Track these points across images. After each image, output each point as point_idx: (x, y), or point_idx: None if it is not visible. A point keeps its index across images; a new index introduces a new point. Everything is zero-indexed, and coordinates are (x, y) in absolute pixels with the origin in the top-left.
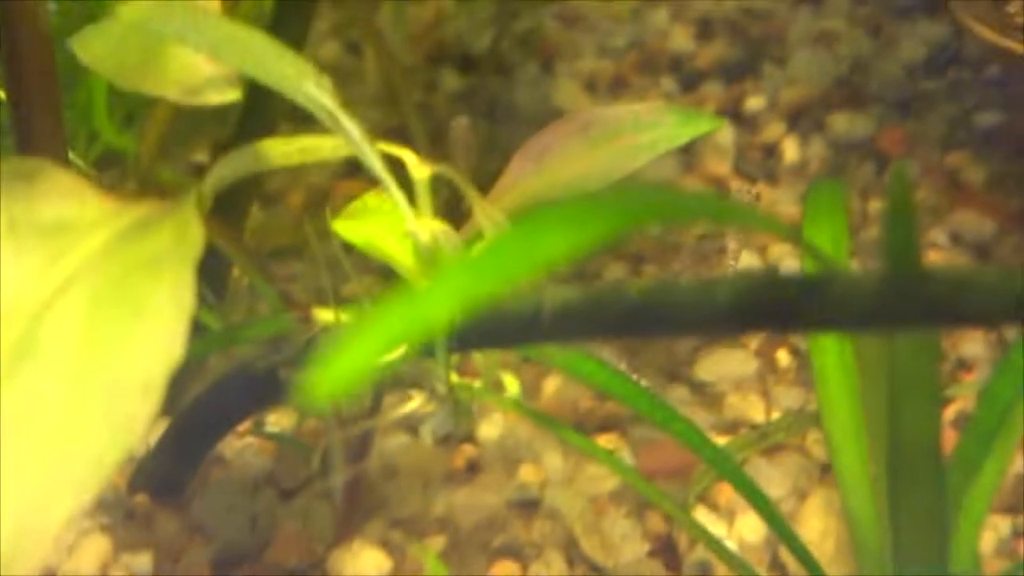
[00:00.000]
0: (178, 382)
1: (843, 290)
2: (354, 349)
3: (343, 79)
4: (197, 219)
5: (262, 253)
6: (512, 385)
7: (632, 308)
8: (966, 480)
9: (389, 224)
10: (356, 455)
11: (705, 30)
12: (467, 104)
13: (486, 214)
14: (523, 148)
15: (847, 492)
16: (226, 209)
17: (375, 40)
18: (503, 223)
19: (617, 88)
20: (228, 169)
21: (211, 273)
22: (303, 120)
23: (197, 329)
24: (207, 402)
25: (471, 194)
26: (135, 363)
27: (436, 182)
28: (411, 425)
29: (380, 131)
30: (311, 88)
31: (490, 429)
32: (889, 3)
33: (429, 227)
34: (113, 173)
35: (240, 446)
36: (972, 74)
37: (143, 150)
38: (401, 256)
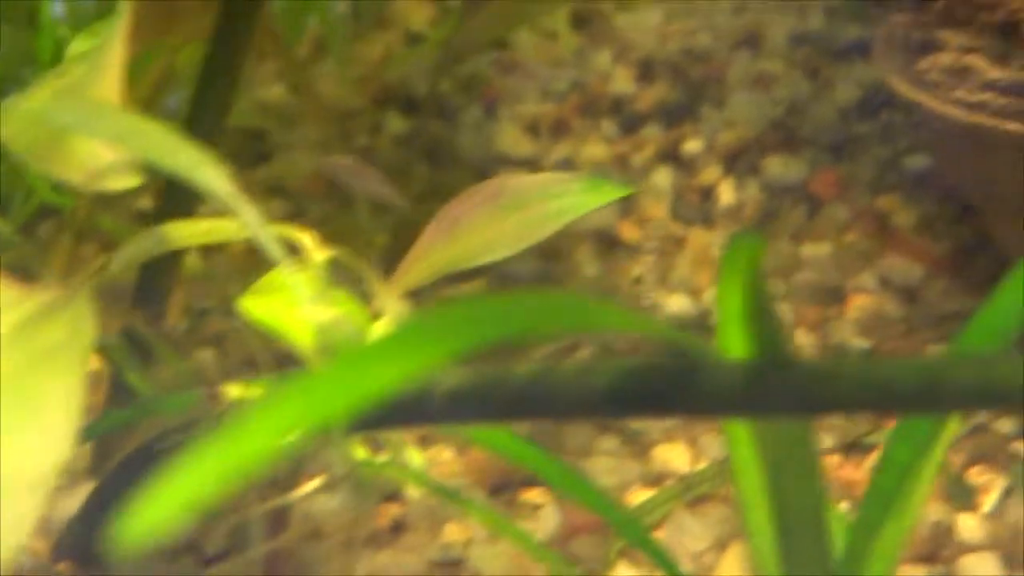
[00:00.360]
0: (104, 445)
1: (713, 379)
2: (163, 499)
3: (287, 122)
4: (90, 312)
5: (194, 310)
6: (416, 458)
7: (518, 392)
8: (870, 536)
9: (292, 303)
10: (278, 520)
11: (646, 72)
12: (410, 147)
13: (386, 296)
14: (435, 219)
15: (756, 551)
16: (147, 286)
17: (308, 88)
18: (401, 306)
19: (559, 131)
20: (134, 251)
21: (138, 336)
22: None
23: (123, 391)
24: (127, 470)
25: (370, 277)
26: (25, 461)
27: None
28: (334, 485)
29: (318, 178)
30: (209, 174)
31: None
32: (827, 45)
33: (325, 314)
34: (51, 224)
35: None
36: (903, 117)
37: (79, 202)
38: (300, 338)
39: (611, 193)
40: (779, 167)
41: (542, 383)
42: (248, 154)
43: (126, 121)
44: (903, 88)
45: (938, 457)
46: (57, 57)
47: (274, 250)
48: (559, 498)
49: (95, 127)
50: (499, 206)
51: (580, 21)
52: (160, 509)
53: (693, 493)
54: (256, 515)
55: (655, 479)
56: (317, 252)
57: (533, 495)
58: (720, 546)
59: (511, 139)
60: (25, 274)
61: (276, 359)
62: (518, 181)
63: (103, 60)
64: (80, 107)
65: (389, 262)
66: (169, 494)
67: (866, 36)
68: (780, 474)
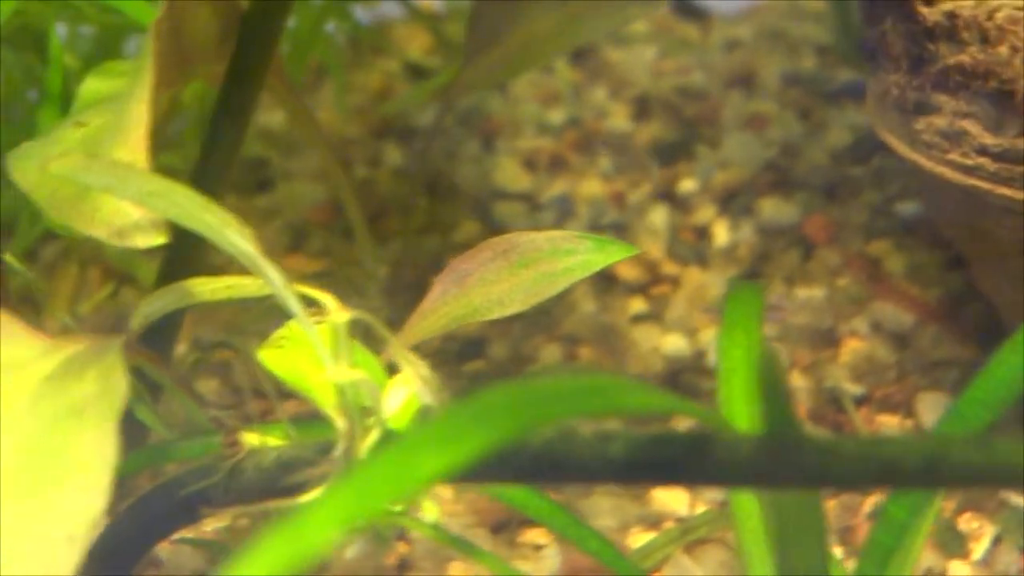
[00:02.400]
0: (114, 487)
1: (724, 452)
2: None
3: (287, 150)
4: (121, 366)
5: (202, 341)
6: (431, 511)
7: (537, 458)
8: None
9: (311, 359)
10: None
11: (642, 110)
12: (409, 179)
13: (403, 357)
14: (445, 272)
15: None
16: (155, 334)
17: (307, 120)
18: (417, 364)
19: (556, 167)
20: (156, 306)
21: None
22: None
23: (134, 426)
24: (137, 513)
25: (389, 338)
26: (61, 516)
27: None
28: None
29: (318, 207)
30: (233, 236)
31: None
32: (818, 87)
33: (347, 375)
34: (55, 247)
35: (175, 548)
36: (895, 162)
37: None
38: (321, 396)
39: (618, 253)
40: (773, 209)
41: (560, 450)
42: (250, 182)
43: (154, 183)
44: (898, 147)
45: (934, 512)
46: (65, 88)
47: (296, 308)
48: (560, 539)
49: (124, 189)
50: (510, 262)
51: (576, 56)
52: None
53: (692, 536)
54: None
55: (654, 521)
56: (338, 313)
57: (534, 535)
58: None
59: (509, 173)
60: (30, 302)
61: (279, 390)
62: (529, 238)
63: (128, 118)
64: (109, 169)
65: (389, 294)
66: None
67: (857, 80)
68: (785, 530)
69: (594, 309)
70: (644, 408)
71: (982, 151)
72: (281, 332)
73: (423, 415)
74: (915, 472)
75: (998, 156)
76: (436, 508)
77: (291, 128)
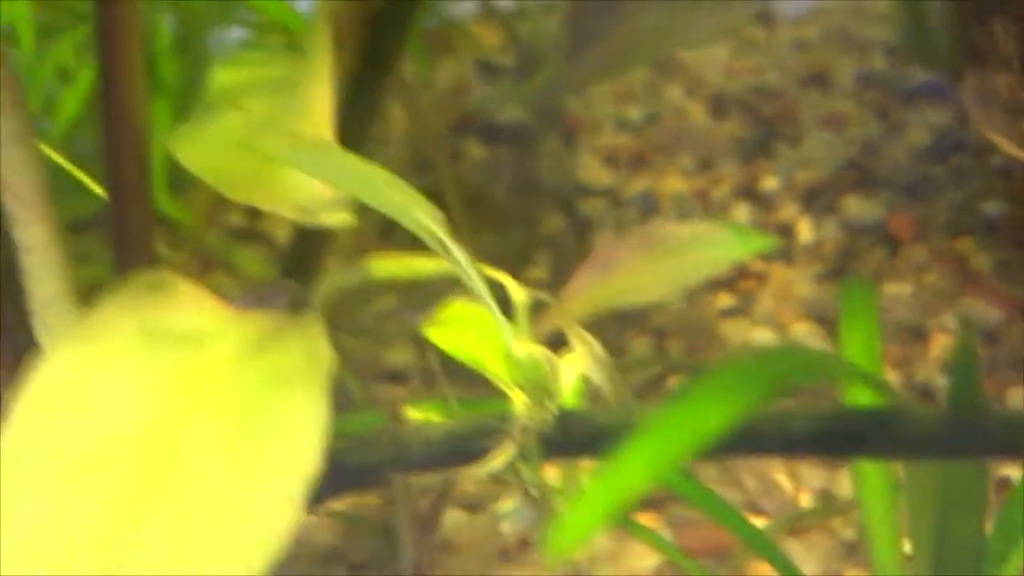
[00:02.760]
0: None
1: (909, 425)
2: (577, 520)
3: (377, 143)
4: (325, 339)
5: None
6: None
7: (732, 433)
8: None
9: (483, 337)
10: (422, 531)
11: (719, 108)
12: (492, 175)
13: (577, 335)
14: (590, 259)
15: None
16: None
17: (409, 103)
18: (593, 345)
19: (636, 164)
20: (337, 281)
21: None
22: None
23: None
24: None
25: (565, 317)
26: (277, 479)
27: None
28: (469, 503)
29: None
30: (421, 216)
31: None
32: (895, 87)
33: (528, 349)
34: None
35: (306, 523)
36: (974, 161)
37: (195, 218)
38: (499, 371)
39: (759, 243)
40: (856, 207)
41: (752, 425)
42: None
43: (347, 161)
44: (1008, 147)
45: None
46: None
47: (481, 289)
48: (671, 522)
49: (313, 165)
50: (653, 253)
51: None
52: (575, 528)
53: (798, 524)
54: (404, 525)
55: (754, 507)
56: (518, 292)
57: (647, 518)
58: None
59: (591, 170)
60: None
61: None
62: (673, 229)
63: (310, 97)
64: (296, 143)
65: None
66: (578, 518)
67: (930, 80)
68: (949, 504)
69: (683, 303)
70: (851, 377)
71: None
72: (447, 313)
73: (593, 396)
74: None
75: None
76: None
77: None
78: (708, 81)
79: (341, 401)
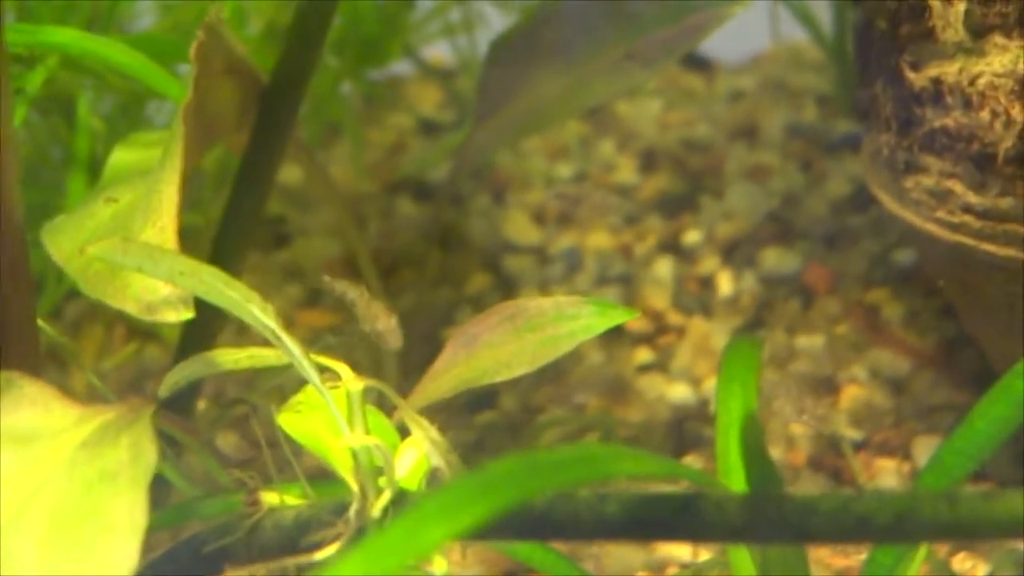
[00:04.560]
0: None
1: (711, 511)
2: None
3: (304, 207)
4: (150, 434)
5: (224, 399)
6: (439, 565)
7: (539, 518)
8: None
9: (328, 424)
10: None
11: (648, 162)
12: (422, 233)
13: (414, 421)
14: (454, 336)
15: None
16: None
17: (322, 178)
18: (427, 428)
19: (563, 221)
20: (181, 375)
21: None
22: None
23: (158, 481)
24: (161, 568)
25: (402, 405)
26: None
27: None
28: None
29: (334, 262)
30: (255, 311)
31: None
32: (819, 138)
33: (362, 441)
34: (79, 307)
35: None
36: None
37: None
38: (336, 459)
39: (619, 317)
40: (774, 259)
41: (560, 511)
42: (268, 238)
43: (183, 263)
44: (889, 204)
45: (920, 558)
46: (91, 153)
47: (313, 378)
48: None
49: (156, 270)
50: (516, 327)
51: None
52: None
53: None
54: None
55: (658, 567)
56: (352, 382)
57: None
58: None
59: (518, 227)
60: (56, 359)
61: (295, 448)
62: (535, 303)
63: (158, 200)
64: (142, 251)
65: (402, 347)
66: None
67: (856, 132)
68: None
69: (601, 360)
70: (636, 473)
71: (967, 209)
72: (299, 397)
73: (433, 476)
74: (887, 527)
75: (982, 214)
76: (444, 562)
77: (307, 185)
78: (640, 134)
79: (206, 485)
